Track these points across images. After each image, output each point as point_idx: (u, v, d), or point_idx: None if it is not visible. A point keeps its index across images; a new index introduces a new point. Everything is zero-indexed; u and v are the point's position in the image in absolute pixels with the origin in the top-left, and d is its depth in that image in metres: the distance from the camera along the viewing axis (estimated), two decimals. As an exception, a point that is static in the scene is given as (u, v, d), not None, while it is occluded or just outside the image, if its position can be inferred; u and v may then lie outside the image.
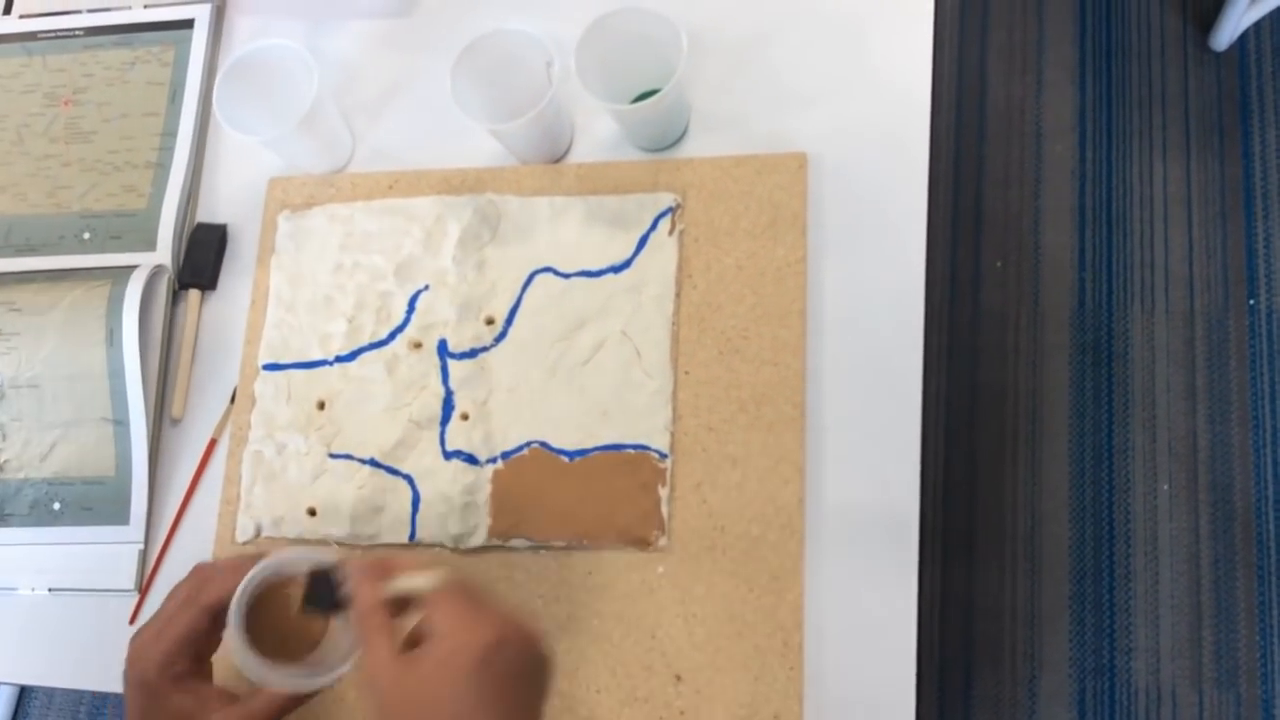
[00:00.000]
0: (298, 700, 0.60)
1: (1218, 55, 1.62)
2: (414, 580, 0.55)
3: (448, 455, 0.73)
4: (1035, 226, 1.58)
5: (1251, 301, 1.51)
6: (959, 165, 1.61)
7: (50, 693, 1.61)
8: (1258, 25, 1.59)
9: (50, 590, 0.77)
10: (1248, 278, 1.52)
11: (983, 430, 1.50)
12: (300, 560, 0.61)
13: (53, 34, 0.90)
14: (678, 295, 0.73)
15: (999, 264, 1.57)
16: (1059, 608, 1.43)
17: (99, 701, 1.61)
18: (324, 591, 0.59)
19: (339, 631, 0.60)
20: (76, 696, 1.61)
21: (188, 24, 0.87)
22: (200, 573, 0.62)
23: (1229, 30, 1.57)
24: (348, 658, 0.59)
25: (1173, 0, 1.65)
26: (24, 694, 1.63)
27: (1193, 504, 1.45)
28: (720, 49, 0.78)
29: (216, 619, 0.61)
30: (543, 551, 0.71)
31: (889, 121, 0.75)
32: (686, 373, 0.72)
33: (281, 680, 0.58)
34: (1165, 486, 1.46)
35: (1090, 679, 1.41)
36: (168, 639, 0.59)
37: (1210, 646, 1.40)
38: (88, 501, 0.77)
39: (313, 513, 0.74)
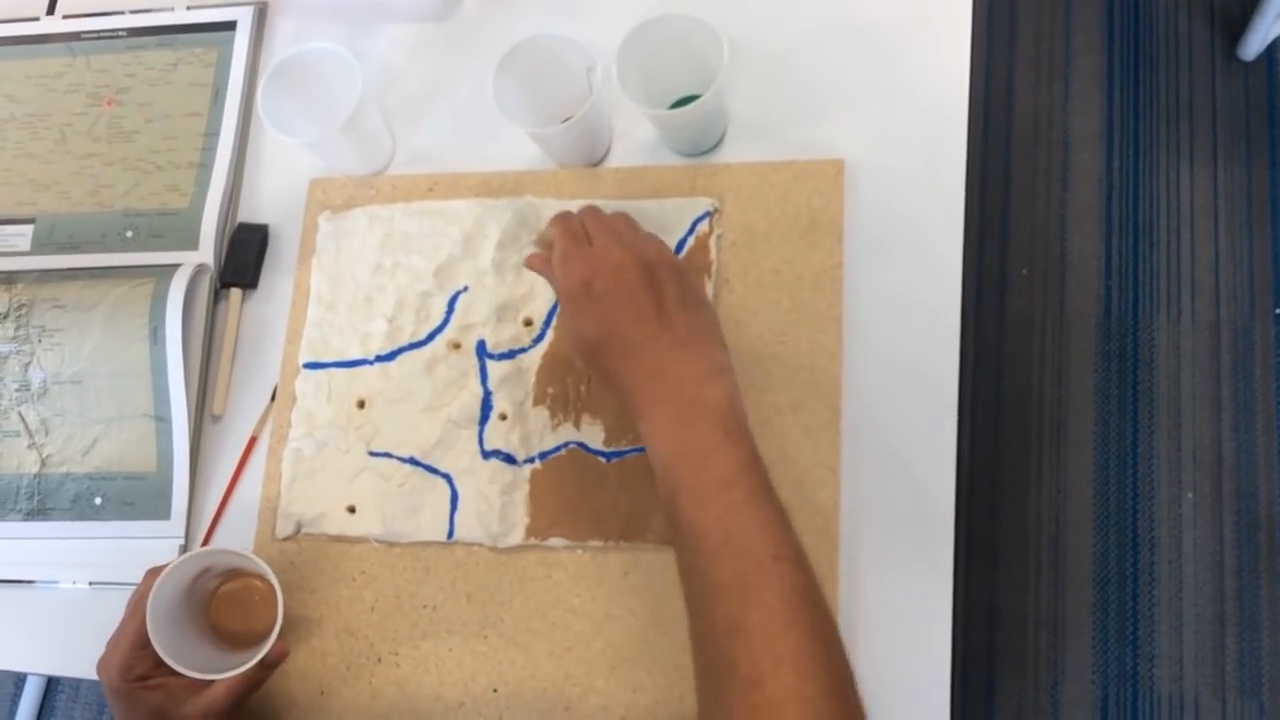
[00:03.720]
0: (254, 682, 0.66)
1: (1246, 65, 1.61)
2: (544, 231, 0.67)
3: (486, 455, 0.74)
4: (1062, 234, 1.58)
5: (1277, 311, 1.51)
6: (986, 173, 1.61)
7: (76, 685, 1.63)
8: (1286, 35, 1.59)
9: (91, 584, 0.78)
10: (1274, 287, 1.52)
11: (1008, 436, 1.50)
12: (217, 554, 0.70)
13: (96, 34, 0.91)
14: (714, 299, 0.74)
15: (1025, 271, 1.57)
16: (1082, 614, 1.43)
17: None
18: None
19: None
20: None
21: (230, 26, 0.88)
22: (150, 576, 0.67)
23: (1258, 40, 1.56)
24: (262, 649, 0.65)
25: (1201, 10, 1.65)
26: (51, 685, 1.65)
27: (1217, 512, 1.45)
28: (758, 56, 0.79)
29: None
30: (579, 551, 0.72)
31: (926, 129, 0.75)
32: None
33: (199, 668, 0.65)
34: (1190, 494, 1.45)
35: (1113, 686, 1.41)
36: (123, 645, 0.65)
37: (1234, 654, 1.40)
38: (129, 497, 0.78)
39: (352, 510, 0.75)
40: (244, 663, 0.65)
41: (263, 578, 0.70)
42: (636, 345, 0.59)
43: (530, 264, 0.68)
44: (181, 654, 0.65)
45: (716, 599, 0.53)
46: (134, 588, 0.68)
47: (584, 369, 0.63)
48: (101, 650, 0.67)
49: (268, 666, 0.67)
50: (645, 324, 0.59)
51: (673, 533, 0.57)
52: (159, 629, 0.64)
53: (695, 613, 0.55)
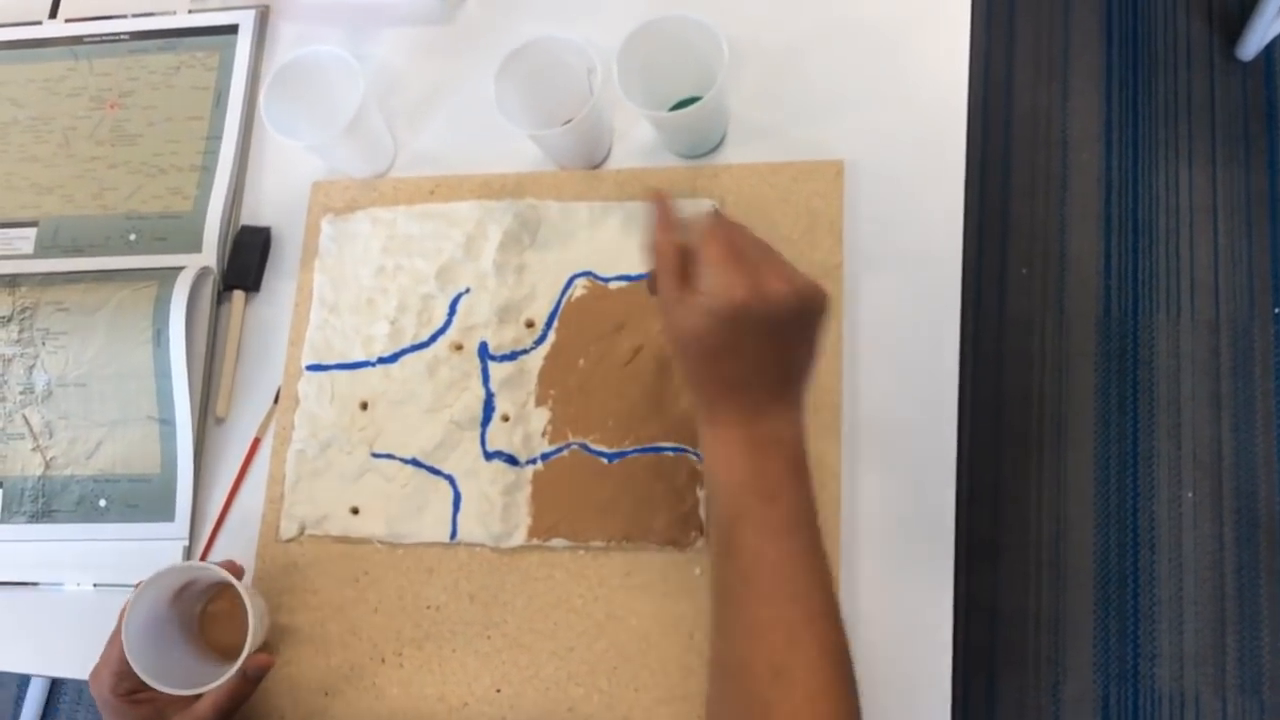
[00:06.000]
0: (239, 695, 0.67)
1: (1244, 65, 1.62)
2: (690, 232, 0.60)
3: (488, 456, 0.74)
4: (1061, 234, 1.58)
5: (1277, 310, 1.51)
6: (985, 173, 1.61)
7: (80, 687, 1.63)
8: (1285, 34, 1.59)
9: (95, 586, 0.78)
10: (1273, 286, 1.52)
11: (1008, 436, 1.51)
12: (188, 570, 0.69)
13: (98, 38, 0.91)
14: (716, 300, 0.74)
15: (1024, 270, 1.57)
16: (1083, 613, 1.44)
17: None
18: None
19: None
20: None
21: (232, 29, 0.89)
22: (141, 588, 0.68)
23: (1256, 40, 1.57)
24: (240, 659, 0.65)
25: (1199, 9, 1.65)
26: (54, 688, 1.65)
27: (1217, 511, 1.45)
28: (758, 57, 0.79)
29: None
30: (582, 552, 0.72)
31: (925, 129, 0.75)
32: (724, 377, 0.73)
33: (181, 682, 0.65)
34: (1190, 494, 1.46)
35: (1114, 685, 1.41)
36: (112, 661, 0.66)
37: (1234, 653, 1.40)
38: (133, 499, 0.78)
39: (355, 511, 0.75)
40: (205, 674, 0.66)
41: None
42: (749, 377, 0.58)
43: (660, 252, 0.61)
44: (164, 669, 0.65)
45: (759, 637, 0.54)
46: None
47: (679, 361, 0.60)
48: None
49: (251, 679, 0.67)
50: (769, 363, 0.58)
51: (721, 556, 0.58)
52: (136, 646, 0.65)
53: (730, 644, 0.57)
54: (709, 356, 0.58)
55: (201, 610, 0.73)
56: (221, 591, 0.73)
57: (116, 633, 0.66)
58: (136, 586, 0.66)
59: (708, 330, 0.56)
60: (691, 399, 0.63)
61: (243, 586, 0.67)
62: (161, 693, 0.65)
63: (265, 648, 0.73)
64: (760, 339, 0.57)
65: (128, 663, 0.65)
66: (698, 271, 0.58)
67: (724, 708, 0.56)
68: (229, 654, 0.70)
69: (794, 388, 0.60)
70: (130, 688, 0.66)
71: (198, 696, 0.66)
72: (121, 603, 0.66)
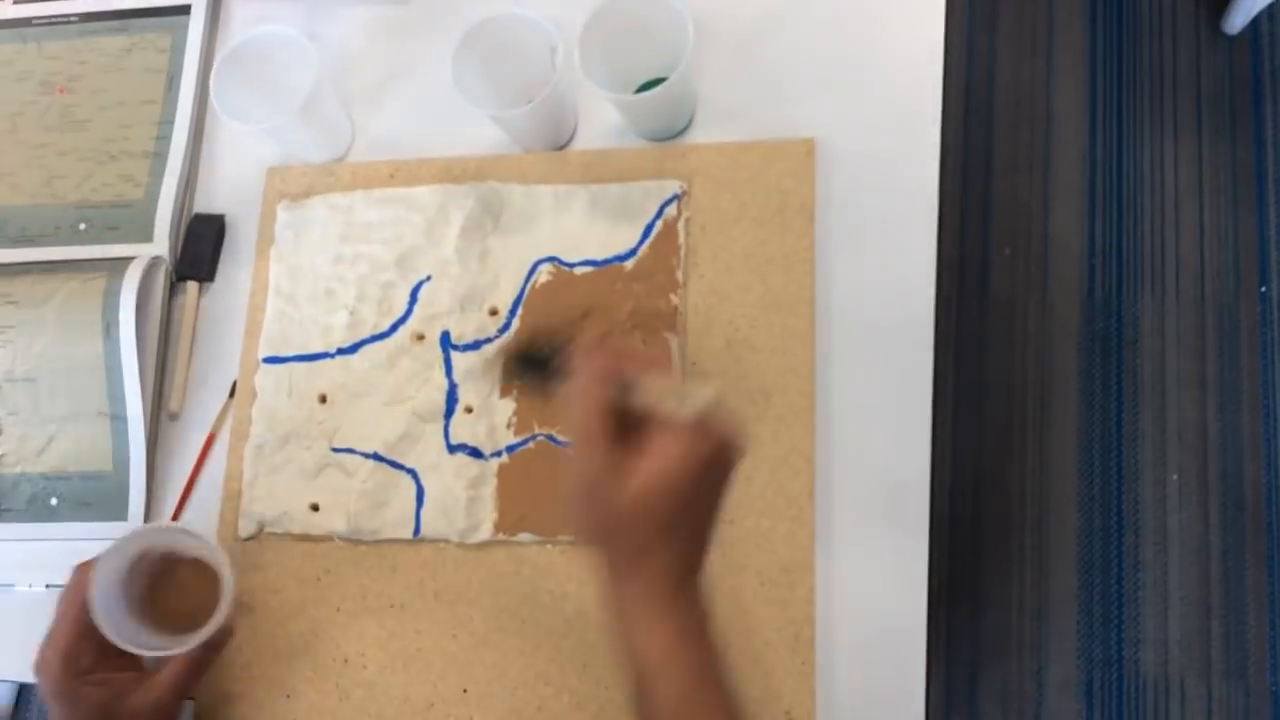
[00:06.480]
0: (199, 667, 0.65)
1: (1230, 39, 1.60)
2: (664, 407, 0.50)
3: (452, 449, 0.72)
4: (1045, 212, 1.56)
5: (1263, 289, 1.50)
6: (968, 150, 1.59)
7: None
8: (1270, 9, 1.57)
9: (48, 587, 0.76)
10: (1259, 265, 1.50)
11: (991, 419, 1.49)
12: (156, 533, 0.69)
13: (47, 20, 0.88)
14: (684, 285, 0.72)
15: (1008, 250, 1.55)
16: (1067, 598, 1.42)
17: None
18: (534, 363, 0.56)
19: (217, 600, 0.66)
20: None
21: (184, 10, 0.86)
22: (81, 570, 0.66)
23: (1242, 14, 1.55)
24: (214, 625, 0.64)
25: (1184, -18, 1.63)
26: (23, 692, 1.63)
27: (1203, 493, 1.44)
28: (727, 36, 0.77)
29: None
30: (550, 546, 0.70)
31: (900, 107, 0.73)
32: (694, 364, 0.71)
33: (147, 646, 0.64)
34: (1175, 476, 1.44)
35: (1098, 670, 1.40)
36: (62, 638, 0.63)
37: (1219, 637, 1.39)
38: (85, 497, 0.76)
39: (315, 508, 0.73)
40: (170, 643, 0.64)
41: (200, 560, 0.69)
42: (694, 543, 0.52)
43: (587, 407, 0.51)
44: (128, 638, 0.64)
45: None
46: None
47: (607, 546, 0.52)
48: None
49: (213, 648, 0.65)
50: (709, 516, 0.52)
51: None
52: (102, 610, 0.63)
53: None
54: (679, 515, 0.50)
55: (148, 587, 0.70)
56: (171, 568, 0.70)
57: (62, 613, 0.64)
58: (88, 563, 0.65)
59: (667, 500, 0.49)
60: (609, 571, 0.53)
61: (215, 546, 0.66)
62: (115, 673, 0.63)
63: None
64: (711, 497, 0.51)
65: (81, 637, 0.62)
66: (646, 428, 0.50)
67: None
68: (178, 630, 0.67)
69: (705, 546, 0.53)
70: (84, 667, 0.63)
71: (152, 675, 0.64)
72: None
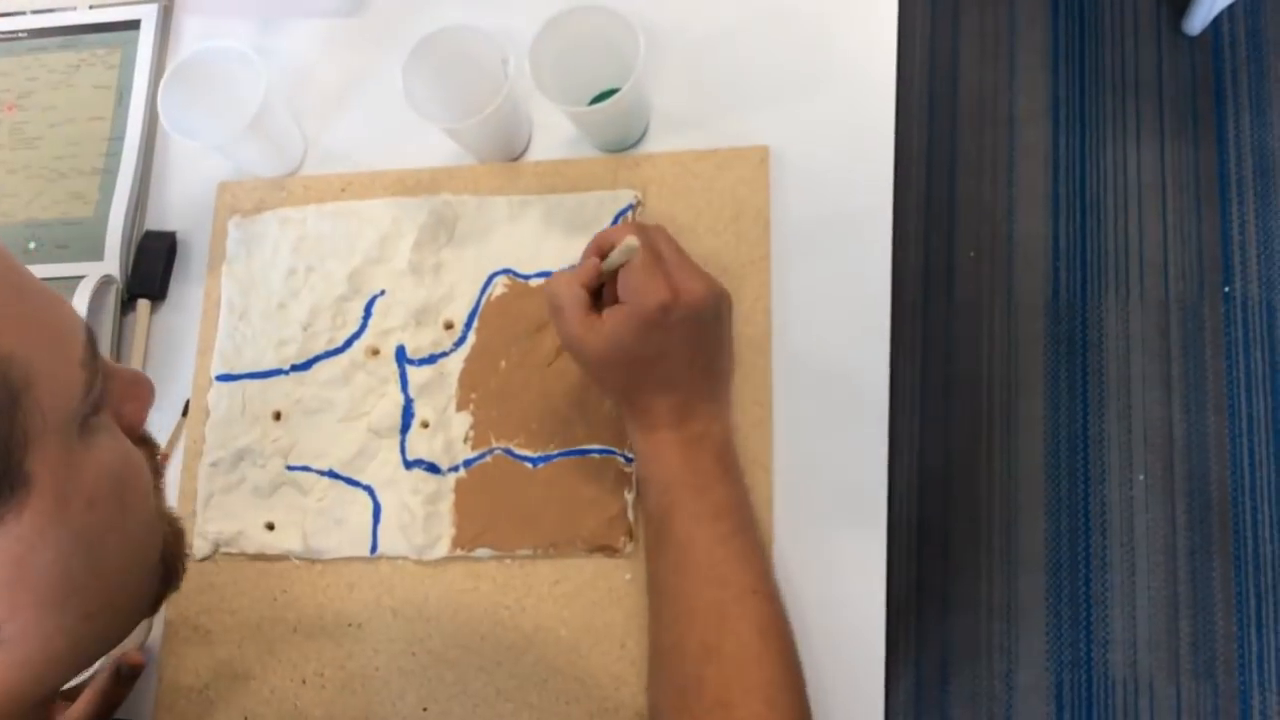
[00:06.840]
0: (112, 700, 0.64)
1: (1191, 40, 1.61)
2: (613, 259, 0.62)
3: (409, 465, 0.71)
4: (1009, 215, 1.57)
5: (1226, 289, 1.50)
6: (931, 153, 1.60)
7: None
8: (1231, 9, 1.59)
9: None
10: (1223, 265, 1.51)
11: (957, 422, 1.49)
12: None
13: (-5, 36, 0.87)
14: (640, 296, 0.72)
15: (972, 254, 1.56)
16: (1035, 600, 1.43)
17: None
18: None
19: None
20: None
21: (134, 25, 0.85)
22: None
23: (1202, 14, 1.56)
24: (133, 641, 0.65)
25: (1144, -16, 1.65)
26: None
27: (1169, 494, 1.44)
28: (681, 47, 0.77)
29: None
30: (508, 561, 0.69)
31: (854, 115, 0.73)
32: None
33: None
34: (1141, 476, 1.45)
35: (1068, 672, 1.40)
36: None
37: (1188, 637, 1.40)
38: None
39: (271, 527, 0.72)
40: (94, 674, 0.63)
41: None
42: (677, 375, 0.61)
43: (566, 295, 0.62)
44: None
45: (692, 622, 0.57)
46: None
47: (594, 375, 0.64)
48: None
49: (126, 680, 0.64)
50: (695, 359, 0.62)
51: (655, 549, 0.61)
52: None
53: (665, 629, 0.60)
54: (636, 364, 0.60)
55: None
56: None
57: None
58: None
59: (634, 337, 0.59)
60: (621, 412, 0.65)
61: None
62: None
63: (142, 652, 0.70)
64: (684, 337, 0.60)
65: None
66: (622, 282, 0.60)
67: (661, 691, 0.59)
68: None
69: (718, 385, 0.64)
70: None
71: (65, 707, 0.63)
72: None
